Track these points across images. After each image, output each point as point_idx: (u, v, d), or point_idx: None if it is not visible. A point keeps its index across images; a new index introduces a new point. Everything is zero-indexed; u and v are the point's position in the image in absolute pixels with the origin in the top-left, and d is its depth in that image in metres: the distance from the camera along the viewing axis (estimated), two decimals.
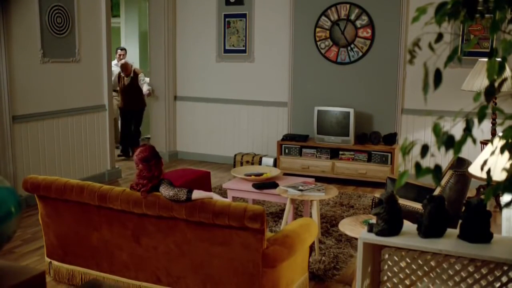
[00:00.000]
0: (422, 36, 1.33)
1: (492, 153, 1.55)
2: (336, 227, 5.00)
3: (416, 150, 1.41)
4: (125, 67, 8.16)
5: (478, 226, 2.13)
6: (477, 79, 5.59)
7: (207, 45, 7.87)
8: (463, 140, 1.21)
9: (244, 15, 7.57)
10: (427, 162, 5.41)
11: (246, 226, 3.01)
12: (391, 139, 6.67)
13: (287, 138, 7.09)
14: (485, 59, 5.72)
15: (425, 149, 1.23)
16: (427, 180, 5.38)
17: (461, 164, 4.33)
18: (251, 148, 7.69)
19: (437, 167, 1.24)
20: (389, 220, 2.18)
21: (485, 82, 5.52)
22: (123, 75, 8.18)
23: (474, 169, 2.26)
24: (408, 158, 5.79)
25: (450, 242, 2.17)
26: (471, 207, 2.13)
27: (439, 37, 1.25)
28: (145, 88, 8.09)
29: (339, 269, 4.11)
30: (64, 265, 3.77)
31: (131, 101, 8.30)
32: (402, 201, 4.06)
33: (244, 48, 7.64)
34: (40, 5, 5.66)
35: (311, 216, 4.74)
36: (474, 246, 2.13)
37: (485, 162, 1.53)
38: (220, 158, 7.91)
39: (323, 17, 7.05)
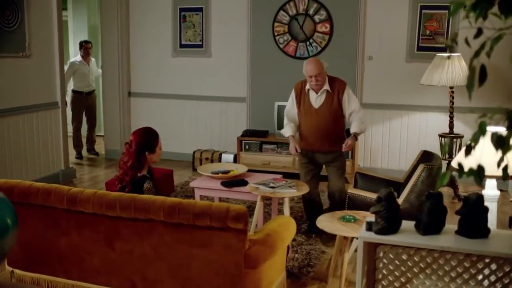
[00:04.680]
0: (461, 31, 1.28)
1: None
2: (304, 223, 4.97)
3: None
4: (319, 67, 4.49)
5: (477, 222, 2.13)
6: (435, 73, 5.72)
7: (162, 39, 7.65)
8: (508, 139, 1.17)
9: (200, 9, 7.41)
10: (392, 158, 5.36)
11: (228, 227, 2.92)
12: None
13: (247, 134, 7.01)
14: (443, 54, 5.85)
15: (469, 149, 1.19)
16: (394, 174, 5.47)
17: (429, 158, 4.40)
18: (209, 145, 7.57)
19: (480, 168, 1.20)
20: (389, 218, 2.14)
21: (444, 76, 5.64)
22: (312, 83, 4.51)
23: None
24: (368, 154, 5.72)
25: (449, 238, 2.16)
26: (470, 202, 2.12)
27: (479, 32, 1.21)
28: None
29: (313, 266, 4.08)
30: (28, 274, 3.54)
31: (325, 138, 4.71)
32: (371, 195, 4.07)
33: (201, 43, 7.49)
34: None
35: (278, 213, 4.70)
36: (473, 241, 2.13)
37: (501, 159, 1.51)
38: (178, 156, 7.73)
39: (281, 12, 7.00)
